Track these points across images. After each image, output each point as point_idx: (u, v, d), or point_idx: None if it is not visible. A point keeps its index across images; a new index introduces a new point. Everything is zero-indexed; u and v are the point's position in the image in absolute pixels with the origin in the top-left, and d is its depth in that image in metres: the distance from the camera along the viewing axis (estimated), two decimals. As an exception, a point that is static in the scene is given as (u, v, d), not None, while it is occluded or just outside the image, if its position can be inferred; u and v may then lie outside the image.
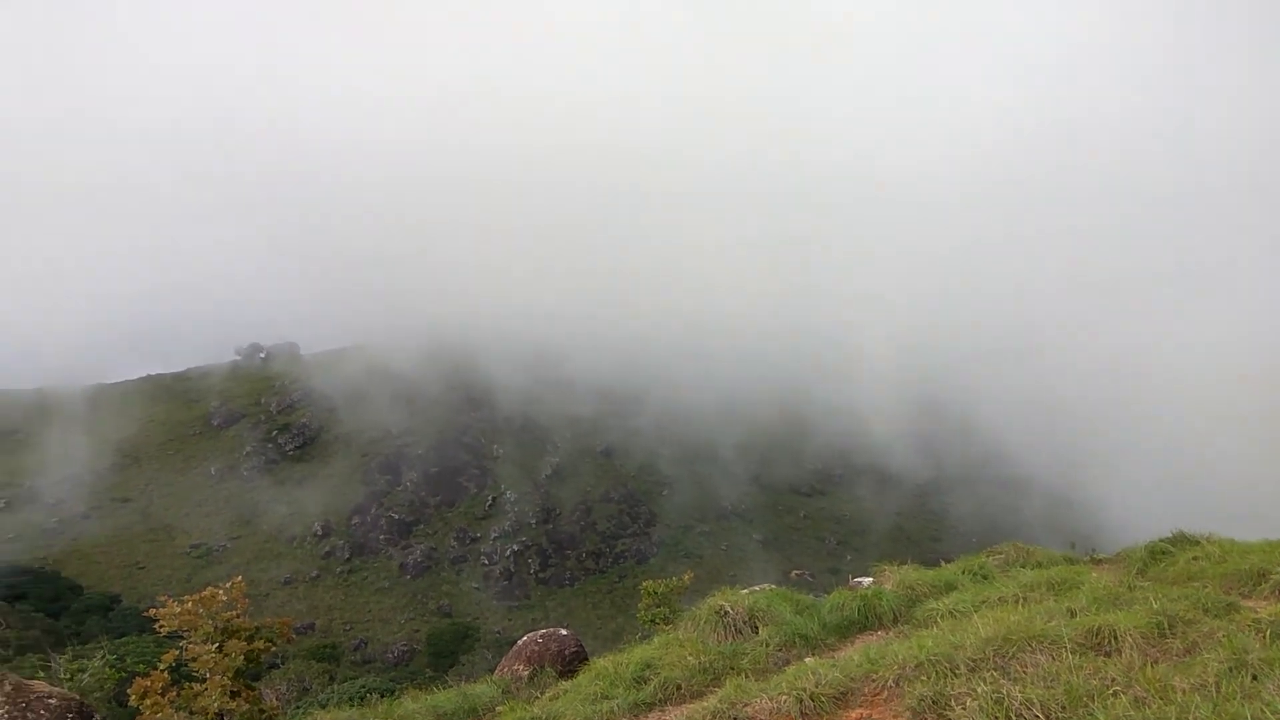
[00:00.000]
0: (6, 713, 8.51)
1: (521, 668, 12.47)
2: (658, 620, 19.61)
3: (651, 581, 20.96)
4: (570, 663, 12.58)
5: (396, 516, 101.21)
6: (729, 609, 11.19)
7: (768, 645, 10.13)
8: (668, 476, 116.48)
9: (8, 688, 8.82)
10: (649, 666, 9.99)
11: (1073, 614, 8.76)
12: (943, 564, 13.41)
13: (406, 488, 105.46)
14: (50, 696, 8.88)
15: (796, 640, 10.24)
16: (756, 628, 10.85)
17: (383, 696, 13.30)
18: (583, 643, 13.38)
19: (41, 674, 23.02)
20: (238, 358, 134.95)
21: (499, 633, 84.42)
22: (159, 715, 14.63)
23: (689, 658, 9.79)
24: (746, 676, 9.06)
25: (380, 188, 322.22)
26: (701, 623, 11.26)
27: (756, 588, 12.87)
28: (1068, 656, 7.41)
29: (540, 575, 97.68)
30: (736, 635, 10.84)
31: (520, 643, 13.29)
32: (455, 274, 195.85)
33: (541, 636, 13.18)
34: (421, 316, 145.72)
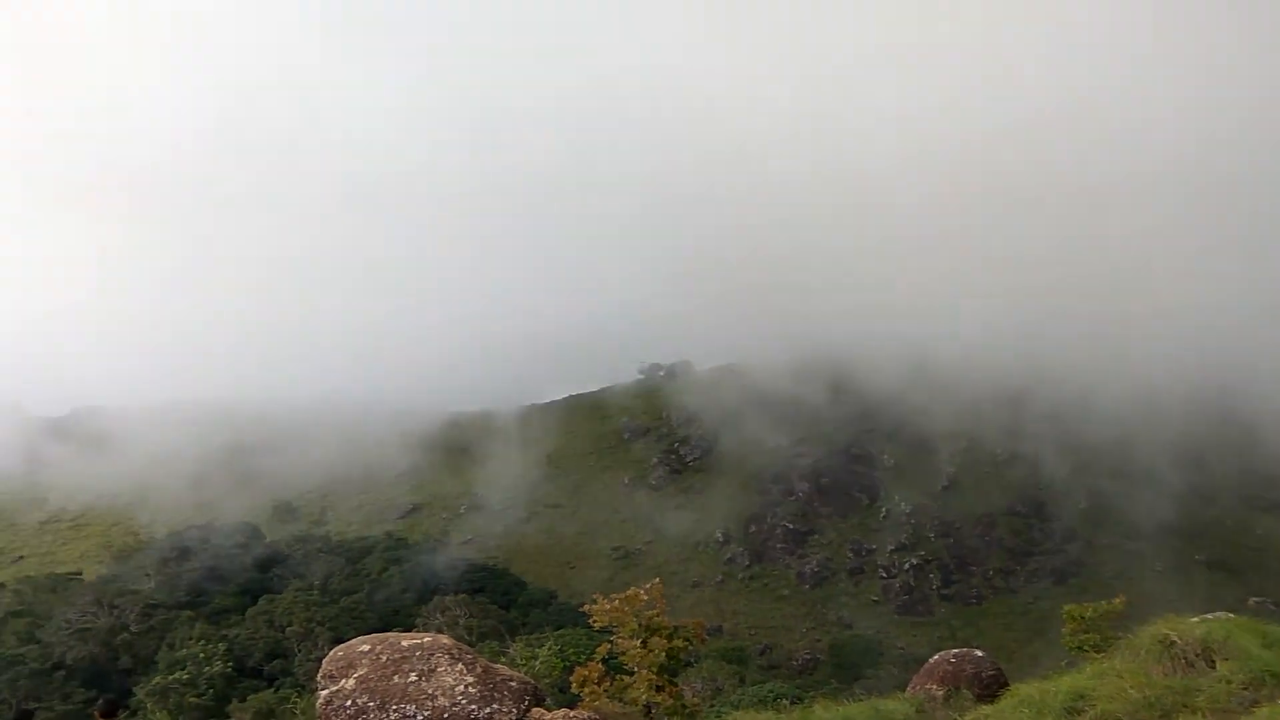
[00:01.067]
0: (479, 691, 9.74)
1: (935, 687, 12.09)
2: (1086, 647, 18.08)
3: (1075, 605, 19.34)
4: (988, 686, 11.97)
5: (791, 526, 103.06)
6: (1176, 639, 9.89)
7: (1229, 683, 8.81)
8: (1077, 486, 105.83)
9: (479, 669, 10.11)
10: (1082, 697, 9.16)
11: None
12: None
13: (798, 498, 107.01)
14: (511, 679, 10.06)
15: (1266, 678, 8.80)
16: (1212, 662, 9.49)
17: (793, 703, 13.64)
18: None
19: (502, 659, 26.70)
20: (641, 375, 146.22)
21: (902, 649, 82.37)
22: (596, 703, 16.31)
23: (1130, 691, 8.82)
24: (1204, 716, 7.96)
25: (756, 195, 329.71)
26: (1142, 653, 10.07)
27: (1209, 616, 11.25)
28: None
29: (943, 592, 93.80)
30: (1187, 669, 9.56)
31: (932, 661, 12.92)
32: (828, 282, 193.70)
33: (955, 656, 12.70)
34: (798, 328, 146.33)
